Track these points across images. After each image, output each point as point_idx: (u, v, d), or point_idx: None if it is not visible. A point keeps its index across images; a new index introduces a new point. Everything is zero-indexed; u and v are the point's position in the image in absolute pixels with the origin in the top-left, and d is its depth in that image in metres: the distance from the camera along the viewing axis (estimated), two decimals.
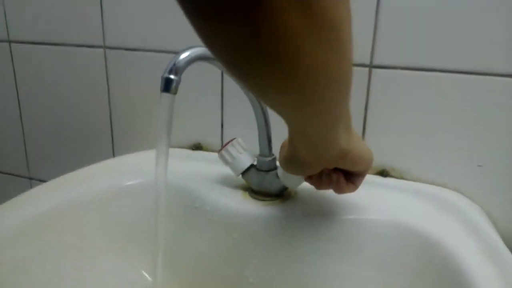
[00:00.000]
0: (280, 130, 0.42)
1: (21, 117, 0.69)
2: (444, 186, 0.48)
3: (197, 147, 0.58)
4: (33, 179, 0.71)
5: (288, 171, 0.37)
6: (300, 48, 0.20)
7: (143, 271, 0.47)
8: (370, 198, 0.44)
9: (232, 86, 0.54)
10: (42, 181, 0.46)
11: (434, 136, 0.47)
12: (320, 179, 0.38)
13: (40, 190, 0.46)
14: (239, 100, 0.54)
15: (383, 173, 0.50)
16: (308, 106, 0.25)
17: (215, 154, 0.47)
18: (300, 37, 0.19)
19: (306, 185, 0.41)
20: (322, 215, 0.42)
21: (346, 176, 0.37)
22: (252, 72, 0.21)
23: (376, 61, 0.47)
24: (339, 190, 0.37)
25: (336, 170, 0.36)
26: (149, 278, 0.47)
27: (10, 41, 0.65)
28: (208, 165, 0.52)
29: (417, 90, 0.46)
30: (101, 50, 0.59)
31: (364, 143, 0.36)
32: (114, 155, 0.64)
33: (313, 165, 0.34)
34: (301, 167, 0.35)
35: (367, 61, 0.47)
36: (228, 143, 0.45)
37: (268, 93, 0.24)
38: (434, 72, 0.45)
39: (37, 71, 0.65)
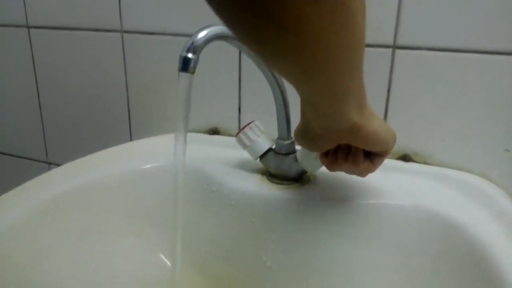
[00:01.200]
0: (299, 113, 0.41)
1: (39, 102, 0.69)
2: (469, 171, 0.47)
3: (214, 131, 0.58)
4: (51, 164, 0.72)
5: (301, 144, 0.36)
6: (308, 15, 0.20)
7: (161, 254, 0.47)
8: (392, 183, 0.43)
9: (250, 69, 0.53)
10: (60, 165, 0.47)
11: (459, 120, 0.46)
12: (335, 156, 0.37)
13: (57, 172, 0.46)
14: (257, 83, 0.53)
15: (405, 158, 0.48)
16: (317, 76, 0.25)
17: (232, 139, 0.47)
18: (309, 5, 0.20)
19: (325, 169, 0.40)
20: (342, 199, 0.41)
21: (365, 155, 0.36)
22: (261, 39, 0.22)
23: (400, 42, 0.45)
24: (354, 166, 0.36)
25: (356, 149, 0.35)
26: (167, 261, 0.47)
27: (28, 27, 0.65)
28: (225, 149, 0.51)
29: (442, 71, 0.45)
30: (118, 34, 0.59)
31: (386, 123, 0.35)
32: (131, 139, 0.64)
33: (323, 138, 0.33)
34: (312, 140, 0.34)
35: (390, 41, 0.46)
36: (246, 126, 0.44)
37: (277, 60, 0.24)
38: (460, 52, 0.44)
39: (55, 56, 0.65)
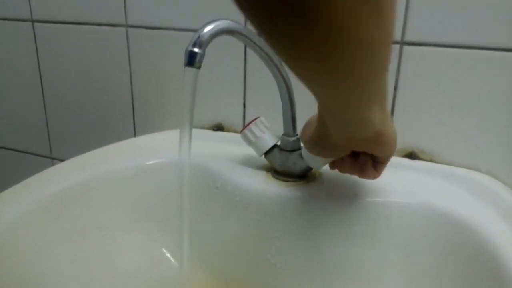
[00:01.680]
0: (304, 110, 0.41)
1: (43, 96, 0.69)
2: (476, 169, 0.46)
3: (218, 127, 0.57)
4: (55, 159, 0.72)
5: (313, 152, 0.36)
6: (344, 7, 0.19)
7: (164, 250, 0.47)
8: (398, 181, 0.42)
9: (255, 65, 0.53)
10: (64, 161, 0.47)
11: (466, 117, 0.45)
12: (342, 161, 0.36)
13: (60, 168, 0.46)
14: (262, 79, 0.53)
15: (412, 155, 0.48)
16: (343, 77, 0.23)
17: (237, 135, 0.46)
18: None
19: None
20: (348, 197, 0.41)
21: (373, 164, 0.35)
22: (288, 30, 0.20)
23: (408, 38, 0.45)
24: (362, 174, 0.36)
25: (364, 153, 0.35)
26: (171, 257, 0.47)
27: (33, 21, 0.65)
28: (229, 146, 0.51)
29: (451, 68, 0.44)
30: (123, 29, 0.59)
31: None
32: (135, 135, 0.64)
33: (342, 147, 0.32)
34: (328, 148, 0.33)
35: (398, 37, 0.45)
36: (251, 122, 0.44)
37: (302, 60, 0.22)
38: (469, 49, 0.43)
39: (59, 50, 0.65)
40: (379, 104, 0.28)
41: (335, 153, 0.34)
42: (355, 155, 0.35)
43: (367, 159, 0.34)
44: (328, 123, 0.30)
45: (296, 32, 0.20)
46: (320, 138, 0.33)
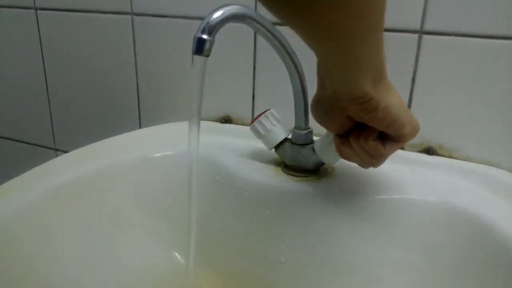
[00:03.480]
0: None
1: (47, 86, 0.68)
2: (497, 166, 0.44)
3: (226, 120, 0.56)
4: (58, 150, 0.71)
5: (315, 115, 0.35)
6: None
7: (169, 244, 0.46)
8: (415, 177, 0.41)
9: (266, 54, 0.51)
10: (68, 152, 0.46)
11: (488, 111, 0.43)
12: (348, 139, 0.35)
13: (64, 159, 0.45)
14: (272, 69, 0.51)
15: (430, 151, 0.46)
16: (335, 35, 0.25)
17: (245, 128, 0.45)
18: None
19: (344, 161, 0.38)
20: (361, 193, 0.39)
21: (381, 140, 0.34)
22: None
23: (428, 27, 0.43)
24: (364, 142, 0.34)
25: (372, 129, 0.33)
26: (176, 252, 0.46)
27: (36, 8, 0.64)
28: (238, 139, 0.49)
29: (472, 59, 0.42)
30: (128, 16, 0.57)
31: (407, 108, 0.33)
32: (140, 127, 0.62)
33: (334, 107, 0.32)
34: (325, 111, 0.33)
35: (417, 26, 0.43)
36: (261, 114, 0.42)
37: (298, 13, 0.24)
38: (492, 39, 0.41)
39: (63, 39, 0.63)
40: (371, 68, 0.28)
41: (332, 116, 0.33)
42: (360, 132, 0.34)
43: (371, 130, 0.33)
44: (324, 80, 0.31)
45: None
46: (319, 98, 0.33)
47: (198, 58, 0.32)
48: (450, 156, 0.46)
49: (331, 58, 0.28)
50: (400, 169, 0.42)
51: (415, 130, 0.33)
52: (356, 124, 0.34)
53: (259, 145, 0.43)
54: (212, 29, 0.32)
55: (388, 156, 0.35)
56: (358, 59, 0.27)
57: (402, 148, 0.47)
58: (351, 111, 0.32)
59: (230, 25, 0.34)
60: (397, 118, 0.31)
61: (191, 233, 0.37)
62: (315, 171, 0.42)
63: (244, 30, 0.51)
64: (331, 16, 0.24)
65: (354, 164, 0.38)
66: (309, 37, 0.27)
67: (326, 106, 0.33)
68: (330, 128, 0.36)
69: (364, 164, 0.37)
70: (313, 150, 0.41)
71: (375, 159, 0.35)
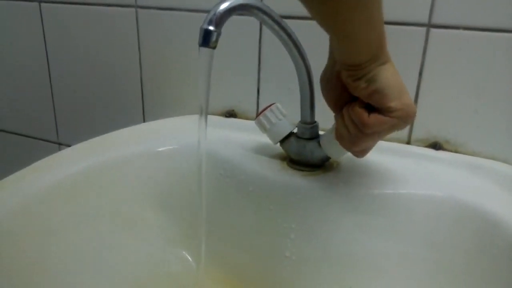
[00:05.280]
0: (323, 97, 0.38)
1: (50, 80, 0.68)
2: (504, 161, 0.44)
3: (231, 114, 0.55)
4: (61, 144, 0.71)
5: (321, 85, 0.36)
6: None
7: (174, 239, 0.45)
8: (422, 172, 0.41)
9: (271, 48, 0.51)
10: (71, 146, 0.46)
11: (495, 106, 0.43)
12: (343, 115, 0.35)
13: (67, 153, 0.44)
14: (278, 63, 0.51)
15: (436, 146, 0.46)
16: (332, 11, 0.28)
17: (250, 122, 0.44)
18: None
19: (350, 156, 0.38)
20: (368, 188, 0.39)
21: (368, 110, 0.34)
22: None
23: (436, 20, 0.42)
24: (351, 111, 0.34)
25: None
26: (181, 246, 0.45)
27: (40, 1, 0.63)
28: (243, 133, 0.49)
29: (480, 53, 0.42)
30: (132, 9, 0.57)
31: (401, 86, 0.32)
32: (144, 120, 0.62)
33: (334, 74, 0.34)
34: (327, 77, 0.35)
35: (424, 19, 0.43)
36: (266, 108, 0.42)
37: None
38: (501, 33, 0.40)
39: (66, 32, 0.63)
40: (366, 46, 0.31)
41: (330, 84, 0.35)
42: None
43: (360, 100, 0.34)
44: (334, 49, 0.33)
45: None
46: (326, 68, 0.35)
47: (205, 50, 0.32)
48: (456, 151, 0.46)
49: (330, 29, 0.31)
50: (406, 163, 0.42)
51: (406, 107, 0.32)
52: (352, 98, 0.34)
53: (264, 139, 0.43)
54: (218, 21, 0.32)
55: (373, 128, 0.33)
56: (352, 31, 0.30)
57: (408, 143, 0.47)
58: (342, 75, 0.33)
59: (234, 17, 0.33)
60: (380, 89, 0.31)
61: (201, 232, 0.37)
62: (320, 166, 0.42)
63: (249, 22, 0.50)
64: None
65: (360, 159, 0.37)
66: (314, 8, 0.30)
67: (328, 74, 0.35)
68: (330, 98, 0.36)
69: (353, 142, 0.35)
70: (319, 144, 0.40)
71: (360, 132, 0.34)
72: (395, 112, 0.32)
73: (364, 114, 0.33)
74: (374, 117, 0.33)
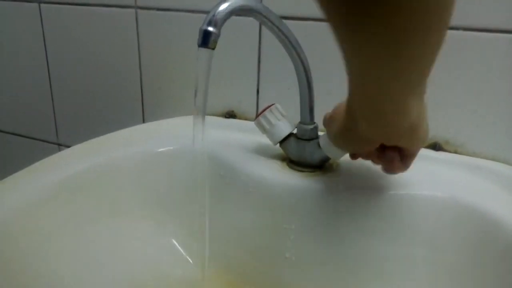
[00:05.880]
0: (323, 96, 0.39)
1: (50, 81, 0.68)
2: (504, 162, 0.44)
3: (230, 115, 0.55)
4: (61, 145, 0.71)
5: (340, 145, 0.33)
6: None
7: (173, 240, 0.45)
8: (422, 173, 0.40)
9: (270, 48, 0.51)
10: (71, 147, 0.46)
11: (495, 106, 0.43)
12: (367, 155, 0.34)
13: (67, 154, 0.44)
14: (277, 64, 0.51)
15: (435, 146, 0.45)
16: (396, 51, 0.21)
17: (250, 123, 0.44)
18: None
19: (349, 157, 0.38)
20: (368, 189, 0.39)
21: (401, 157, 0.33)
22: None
23: None
24: (389, 169, 0.34)
25: (391, 147, 0.32)
26: (180, 248, 0.45)
27: (39, 2, 0.63)
28: (242, 134, 0.49)
29: (480, 54, 0.42)
30: (132, 10, 0.57)
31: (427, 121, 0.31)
32: (144, 121, 0.62)
33: (371, 141, 0.30)
34: (356, 142, 0.31)
35: None
36: (265, 109, 0.42)
37: (360, 17, 0.19)
38: (501, 33, 0.40)
39: (66, 32, 0.63)
40: (420, 94, 0.25)
41: (363, 147, 0.32)
42: (381, 147, 0.33)
43: (395, 153, 0.32)
44: (359, 113, 0.27)
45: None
46: (349, 131, 0.30)
47: (204, 51, 0.32)
48: (456, 152, 0.45)
49: (393, 80, 0.23)
50: None
51: (426, 139, 0.32)
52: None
53: (264, 140, 0.43)
54: (218, 22, 0.32)
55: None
56: (419, 81, 0.24)
57: None
58: (388, 142, 0.30)
59: (234, 18, 0.33)
60: (426, 136, 0.30)
61: (205, 236, 0.36)
62: (320, 167, 0.42)
63: (248, 23, 0.50)
64: (416, 19, 0.19)
65: (360, 160, 0.37)
66: (369, 54, 0.21)
67: (355, 139, 0.30)
68: (351, 152, 0.35)
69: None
70: (319, 145, 0.40)
71: (392, 172, 0.35)
72: (417, 150, 0.33)
73: (403, 167, 0.33)
74: (409, 162, 0.33)
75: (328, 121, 0.34)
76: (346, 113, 0.30)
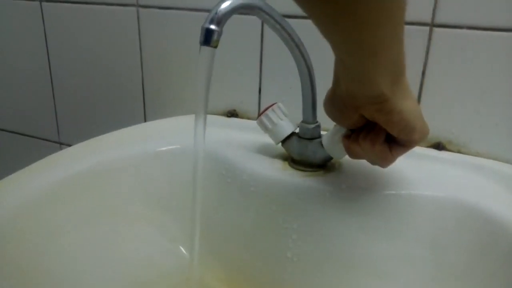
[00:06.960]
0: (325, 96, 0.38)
1: (51, 79, 0.68)
2: (507, 162, 0.43)
3: (232, 114, 0.55)
4: (63, 144, 0.71)
5: (328, 112, 0.34)
6: None
7: (174, 240, 0.45)
8: (424, 173, 0.40)
9: (273, 47, 0.50)
10: (72, 146, 0.46)
11: (498, 106, 0.42)
12: (357, 137, 0.34)
13: (68, 153, 0.44)
14: (279, 63, 0.50)
15: (438, 146, 0.45)
16: (351, 24, 0.25)
17: (252, 122, 0.44)
18: None
19: None
20: (370, 188, 0.39)
21: (388, 142, 0.33)
22: None
23: (439, 19, 0.42)
24: (371, 144, 0.33)
25: (379, 128, 0.33)
26: (181, 247, 0.45)
27: (41, 0, 0.63)
28: (244, 133, 0.49)
29: (484, 53, 0.41)
30: (133, 8, 0.57)
31: (421, 113, 0.32)
32: (145, 120, 0.62)
33: (348, 105, 0.31)
34: (339, 107, 0.33)
35: (428, 19, 0.42)
36: (268, 108, 0.42)
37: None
38: (505, 32, 0.40)
39: (68, 31, 0.63)
40: (389, 67, 0.28)
41: (346, 114, 0.33)
42: (369, 131, 0.33)
43: (380, 131, 0.33)
44: (340, 76, 0.31)
45: None
46: (334, 95, 0.33)
47: (206, 49, 0.32)
48: (459, 152, 0.45)
49: (349, 49, 0.27)
50: (408, 164, 0.42)
51: (424, 136, 0.33)
52: (368, 121, 0.33)
53: (266, 139, 0.43)
54: (220, 20, 0.31)
55: (394, 160, 0.35)
56: (376, 51, 0.27)
57: None
58: (365, 111, 0.31)
59: (236, 16, 0.33)
60: (410, 124, 0.31)
61: (195, 227, 0.36)
62: (322, 166, 0.42)
63: (251, 22, 0.50)
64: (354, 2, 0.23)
65: (363, 160, 0.37)
66: (327, 24, 0.26)
67: (340, 104, 0.32)
68: (342, 124, 0.35)
69: (372, 163, 0.36)
70: (321, 144, 0.40)
71: (381, 161, 0.35)
72: (415, 143, 0.33)
73: (387, 152, 0.34)
74: (396, 152, 0.34)
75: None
76: (334, 78, 0.32)
